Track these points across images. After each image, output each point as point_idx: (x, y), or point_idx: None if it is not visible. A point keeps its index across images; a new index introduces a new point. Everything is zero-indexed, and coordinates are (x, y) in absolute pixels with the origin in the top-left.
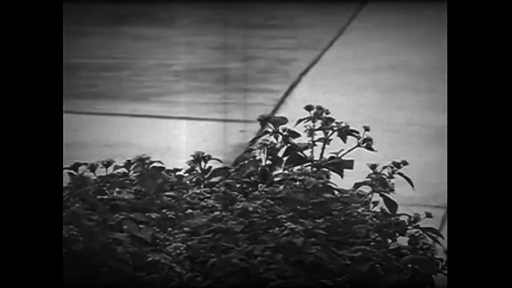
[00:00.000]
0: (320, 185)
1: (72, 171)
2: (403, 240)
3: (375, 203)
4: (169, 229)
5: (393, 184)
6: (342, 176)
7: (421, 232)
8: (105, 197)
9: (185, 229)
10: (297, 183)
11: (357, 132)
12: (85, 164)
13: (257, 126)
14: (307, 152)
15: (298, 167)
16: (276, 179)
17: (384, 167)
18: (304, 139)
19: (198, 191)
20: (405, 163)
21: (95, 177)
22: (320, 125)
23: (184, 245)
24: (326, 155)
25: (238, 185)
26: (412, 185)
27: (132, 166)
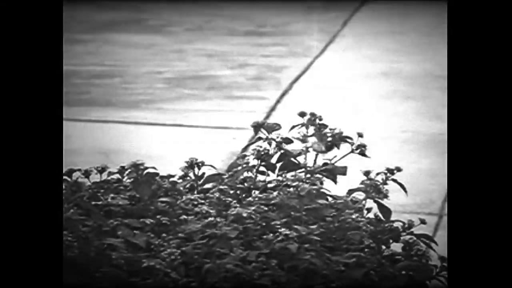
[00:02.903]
0: (314, 191)
1: (66, 177)
2: (397, 247)
3: (369, 210)
4: (164, 235)
5: (386, 190)
6: (335, 182)
7: (415, 238)
8: (100, 203)
9: (180, 235)
10: (291, 189)
11: (351, 139)
12: (79, 170)
13: (249, 134)
14: (300, 159)
15: (292, 173)
16: (269, 185)
17: (378, 174)
18: (297, 145)
19: (192, 197)
20: (398, 169)
21: (89, 183)
22: (313, 131)
23: (179, 251)
24: (320, 162)
25: (232, 191)
26: (406, 192)
27: (126, 172)
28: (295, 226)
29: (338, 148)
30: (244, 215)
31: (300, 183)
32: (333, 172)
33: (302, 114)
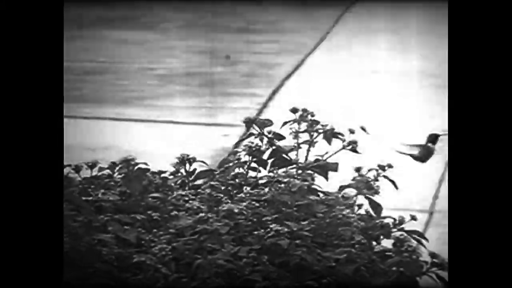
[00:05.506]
0: (305, 188)
1: None
2: (388, 243)
3: (360, 206)
4: (154, 230)
5: (378, 187)
6: (327, 178)
7: (405, 234)
8: (90, 198)
9: (170, 230)
10: (282, 185)
11: (342, 135)
12: (69, 165)
13: (240, 130)
14: (292, 155)
15: (283, 169)
16: (261, 181)
17: (369, 170)
18: (289, 141)
19: (183, 193)
20: (390, 166)
21: (79, 179)
22: (305, 127)
23: (170, 247)
24: (311, 158)
25: (223, 187)
26: (397, 188)
27: (117, 168)
28: (286, 222)
29: (330, 144)
30: (236, 211)
31: (292, 179)
32: (325, 168)
33: (294, 111)
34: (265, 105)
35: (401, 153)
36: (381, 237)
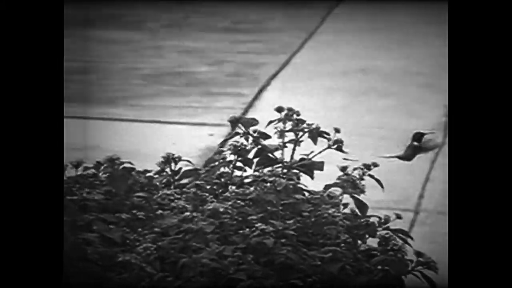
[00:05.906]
0: (291, 187)
1: None
2: (373, 242)
3: (346, 205)
4: (139, 229)
5: (363, 186)
6: (312, 177)
7: (391, 233)
8: (75, 197)
9: (156, 229)
10: (268, 184)
11: (328, 134)
12: None
13: (226, 130)
14: (277, 154)
15: (269, 168)
16: (246, 180)
17: (355, 169)
18: (274, 140)
19: (169, 192)
20: (375, 165)
21: (64, 178)
22: (290, 126)
23: (155, 246)
24: (297, 157)
25: (208, 187)
26: (382, 187)
27: (102, 167)
28: (272, 221)
29: (315, 143)
30: (221, 210)
31: (277, 178)
32: (310, 167)
33: (279, 110)
34: (250, 105)
35: (386, 157)
36: (367, 236)
